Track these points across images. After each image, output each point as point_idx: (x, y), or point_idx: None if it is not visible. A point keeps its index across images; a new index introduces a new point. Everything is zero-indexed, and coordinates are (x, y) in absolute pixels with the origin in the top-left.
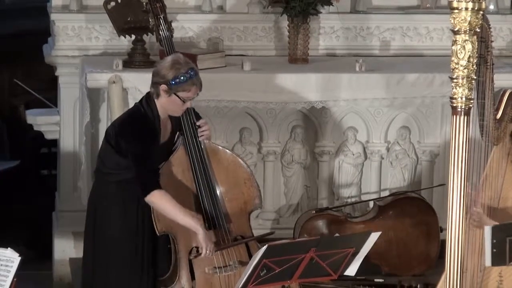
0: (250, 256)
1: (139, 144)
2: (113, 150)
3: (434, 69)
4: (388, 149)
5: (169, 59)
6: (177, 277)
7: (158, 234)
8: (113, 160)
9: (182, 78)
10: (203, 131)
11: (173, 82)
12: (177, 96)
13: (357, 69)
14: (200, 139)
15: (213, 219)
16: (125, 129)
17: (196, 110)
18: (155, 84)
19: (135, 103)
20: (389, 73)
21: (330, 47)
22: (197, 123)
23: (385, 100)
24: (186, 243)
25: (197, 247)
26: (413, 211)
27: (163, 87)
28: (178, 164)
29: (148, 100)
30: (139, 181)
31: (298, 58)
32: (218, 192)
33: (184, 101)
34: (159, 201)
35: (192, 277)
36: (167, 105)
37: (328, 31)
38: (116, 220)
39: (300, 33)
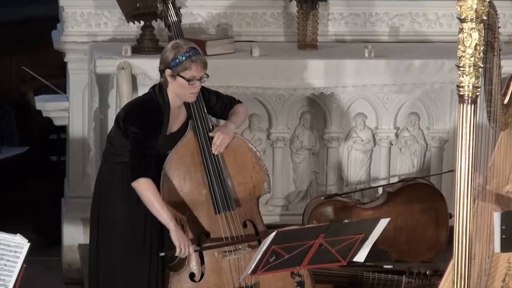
0: (259, 241)
1: (142, 128)
2: (120, 132)
3: (443, 55)
4: (397, 135)
5: (170, 43)
6: (187, 262)
7: None
8: (120, 142)
9: (180, 57)
10: (214, 143)
11: (173, 63)
12: (181, 77)
13: (366, 55)
14: (214, 151)
15: (222, 203)
16: (133, 113)
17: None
18: (161, 72)
19: (149, 88)
20: (398, 59)
21: (339, 33)
22: (211, 134)
23: (394, 86)
24: (195, 228)
25: (206, 232)
26: (422, 197)
27: (167, 72)
28: (188, 147)
29: (160, 88)
30: (131, 163)
31: (307, 44)
32: (227, 176)
33: (189, 81)
34: (143, 188)
35: (202, 261)
36: (177, 91)
37: (337, 17)
38: (118, 203)
39: (309, 19)
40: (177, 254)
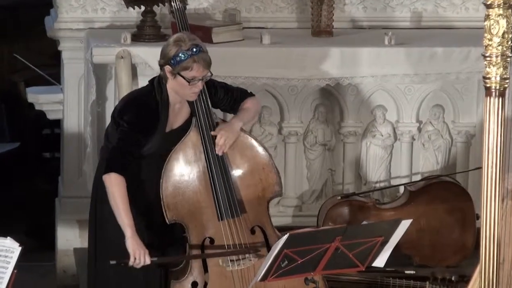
0: (268, 248)
1: (132, 125)
2: (115, 127)
3: (469, 42)
4: (420, 130)
5: (173, 37)
6: (189, 270)
7: (168, 223)
8: (116, 137)
9: (181, 55)
10: (217, 143)
11: (173, 61)
12: (182, 76)
13: (386, 42)
14: (217, 152)
15: (225, 208)
16: (127, 107)
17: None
18: (161, 67)
19: (148, 81)
20: (420, 47)
21: (356, 19)
22: (212, 133)
23: (416, 76)
24: (198, 233)
25: (210, 237)
26: (447, 196)
27: (167, 68)
28: (190, 147)
29: (160, 82)
30: (110, 155)
31: (321, 31)
32: (233, 178)
33: (189, 82)
34: (113, 184)
35: (205, 269)
36: (176, 89)
37: (355, 1)
38: None
39: (324, 3)
40: (130, 263)
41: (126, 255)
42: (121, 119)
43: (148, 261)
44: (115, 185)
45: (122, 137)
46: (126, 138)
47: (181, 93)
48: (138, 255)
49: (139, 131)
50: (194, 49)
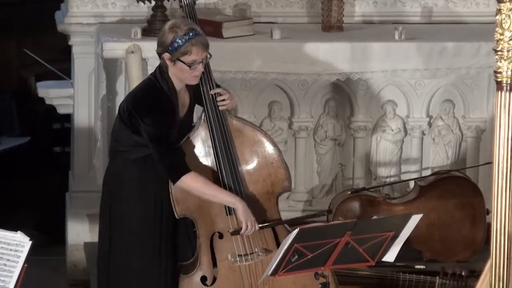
0: (278, 243)
1: (157, 124)
2: (128, 129)
3: (480, 37)
4: (430, 125)
5: (167, 24)
6: (198, 264)
7: (177, 217)
8: (127, 137)
9: (179, 40)
10: (222, 100)
11: (171, 48)
12: (181, 61)
13: (397, 37)
14: (220, 108)
15: None
16: (139, 106)
17: (220, 83)
18: (159, 55)
19: (150, 75)
20: (431, 41)
21: (367, 14)
22: (216, 91)
23: (426, 71)
24: (207, 228)
25: (219, 232)
26: (457, 191)
27: (166, 55)
28: (199, 141)
29: (161, 71)
30: (163, 165)
31: (332, 26)
32: (241, 173)
33: (190, 66)
34: (189, 185)
35: (214, 264)
36: (177, 75)
37: None
38: (134, 202)
39: None
40: (242, 232)
41: (144, 249)
42: (143, 123)
43: (257, 227)
44: (195, 183)
45: (159, 141)
46: (163, 140)
47: (182, 78)
48: (250, 222)
49: (166, 126)
50: (191, 33)
